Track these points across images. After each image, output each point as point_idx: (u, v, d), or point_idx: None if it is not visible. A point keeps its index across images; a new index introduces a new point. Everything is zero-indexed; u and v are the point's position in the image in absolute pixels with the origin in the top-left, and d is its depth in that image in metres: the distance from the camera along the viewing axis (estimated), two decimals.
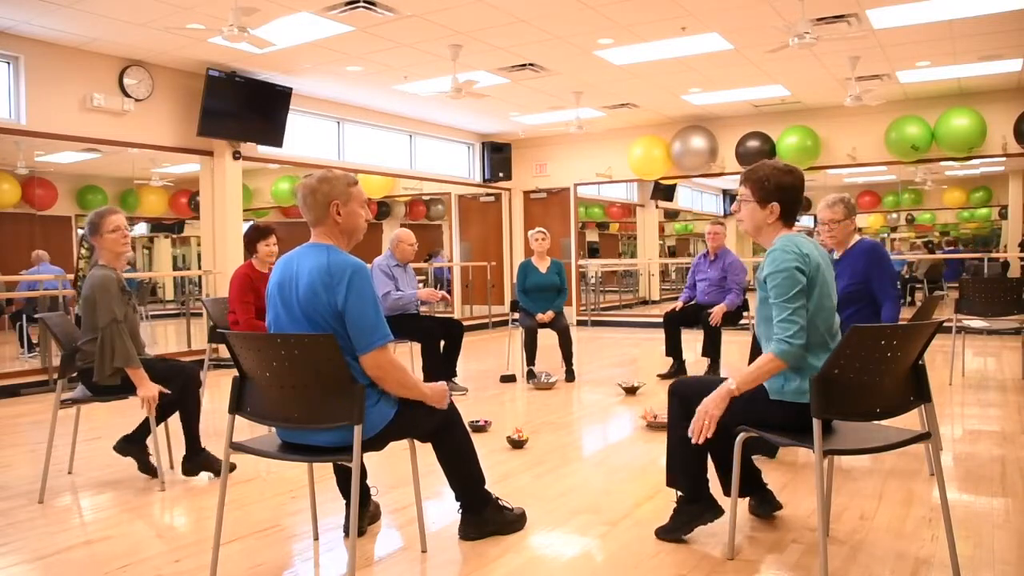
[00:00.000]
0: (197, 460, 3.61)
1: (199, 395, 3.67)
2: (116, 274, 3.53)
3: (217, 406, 5.40)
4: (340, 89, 8.51)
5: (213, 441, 4.32)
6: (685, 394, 2.64)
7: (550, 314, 6.28)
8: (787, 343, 2.36)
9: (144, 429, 3.60)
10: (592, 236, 15.28)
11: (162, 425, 3.66)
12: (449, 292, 11.83)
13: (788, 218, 2.55)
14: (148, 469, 3.63)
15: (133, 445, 3.64)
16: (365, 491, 2.94)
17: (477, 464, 2.75)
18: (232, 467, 3.68)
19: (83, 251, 3.66)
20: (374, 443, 2.44)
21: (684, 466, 2.64)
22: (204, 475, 3.67)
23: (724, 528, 2.65)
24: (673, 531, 2.71)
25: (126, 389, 3.46)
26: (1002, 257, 11.96)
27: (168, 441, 3.81)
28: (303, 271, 2.41)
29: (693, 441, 2.43)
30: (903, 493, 3.22)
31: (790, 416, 2.41)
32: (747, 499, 2.94)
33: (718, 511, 2.68)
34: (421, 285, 6.65)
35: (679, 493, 2.71)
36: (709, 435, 2.42)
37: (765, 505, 2.92)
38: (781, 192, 2.51)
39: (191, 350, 7.63)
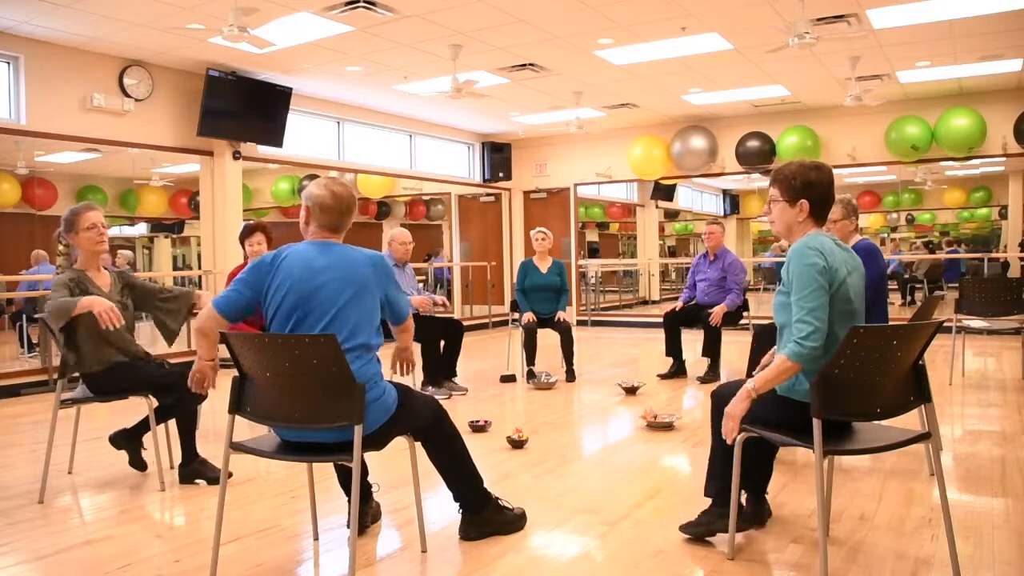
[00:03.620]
0: (191, 468, 3.59)
1: (196, 405, 3.61)
2: (87, 275, 3.44)
3: (217, 406, 5.39)
4: (340, 89, 8.51)
5: (212, 441, 4.34)
6: (720, 404, 2.62)
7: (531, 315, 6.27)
8: (799, 344, 2.29)
9: (143, 426, 3.61)
10: (592, 236, 15.28)
11: (161, 425, 3.65)
12: (449, 294, 11.84)
13: (818, 216, 2.51)
14: (139, 464, 3.65)
15: (129, 441, 3.66)
16: (366, 488, 2.95)
17: (471, 463, 2.75)
18: (228, 475, 3.67)
19: (60, 248, 3.58)
20: (374, 439, 2.45)
21: (722, 472, 2.62)
22: (201, 480, 3.68)
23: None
24: (697, 526, 2.70)
25: (126, 389, 3.46)
26: (1002, 257, 11.97)
27: (168, 441, 3.81)
28: (341, 259, 2.49)
29: (728, 442, 2.46)
30: (903, 493, 3.22)
31: (794, 415, 2.40)
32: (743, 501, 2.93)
33: (747, 521, 2.69)
34: (421, 286, 6.66)
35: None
36: (735, 436, 2.44)
37: (757, 514, 2.87)
38: (809, 189, 2.48)
39: (191, 350, 7.63)
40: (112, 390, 3.48)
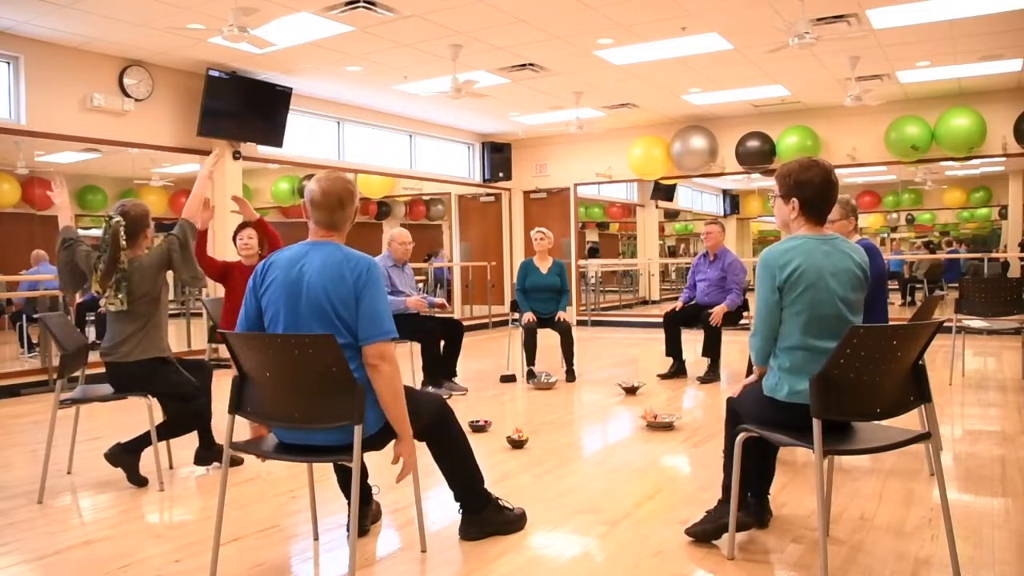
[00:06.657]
0: (212, 452, 3.71)
1: (210, 399, 3.72)
2: None
3: (217, 406, 5.39)
4: (340, 89, 8.51)
5: None
6: (735, 409, 2.67)
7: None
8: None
9: (142, 441, 3.50)
10: (592, 236, 15.28)
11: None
12: (449, 294, 11.83)
13: (812, 215, 2.53)
14: (138, 480, 3.50)
15: (127, 455, 3.50)
16: (367, 490, 2.94)
17: (474, 463, 2.75)
18: (240, 461, 3.73)
19: (123, 232, 3.70)
20: (373, 441, 2.44)
21: (728, 470, 2.64)
22: (202, 473, 3.69)
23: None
24: (704, 524, 2.70)
25: (139, 388, 3.46)
26: (1002, 257, 11.97)
27: (168, 441, 3.80)
28: (314, 263, 2.40)
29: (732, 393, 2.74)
30: (903, 493, 3.22)
31: (787, 416, 2.41)
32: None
33: (751, 521, 2.72)
34: (421, 287, 6.66)
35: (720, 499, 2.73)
36: (735, 396, 2.70)
37: (759, 515, 2.87)
38: (799, 188, 2.51)
39: (191, 350, 7.63)
40: (128, 387, 3.47)
